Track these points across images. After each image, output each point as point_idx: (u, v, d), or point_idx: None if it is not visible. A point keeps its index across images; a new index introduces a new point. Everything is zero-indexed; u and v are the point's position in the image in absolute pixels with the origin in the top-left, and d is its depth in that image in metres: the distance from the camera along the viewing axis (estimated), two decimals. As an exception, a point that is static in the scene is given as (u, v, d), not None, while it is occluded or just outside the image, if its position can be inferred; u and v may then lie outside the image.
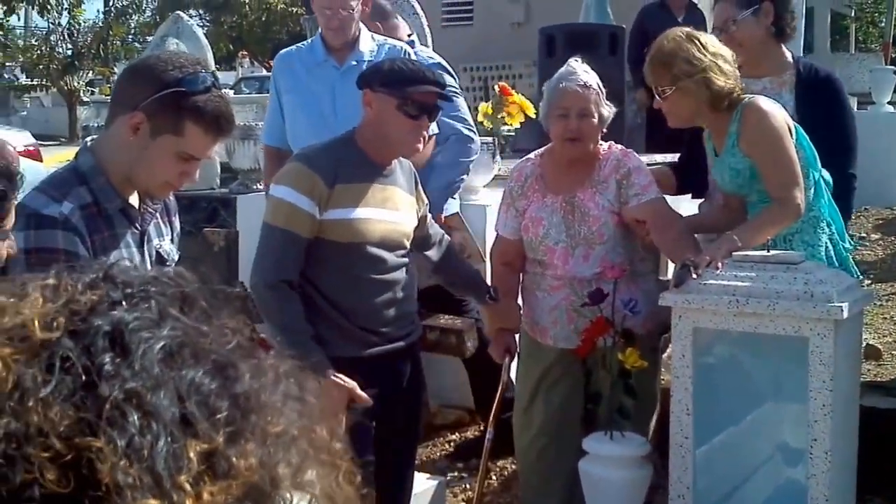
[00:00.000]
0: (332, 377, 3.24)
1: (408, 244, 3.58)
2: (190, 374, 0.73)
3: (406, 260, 3.58)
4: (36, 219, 2.48)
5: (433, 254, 3.80)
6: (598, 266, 3.88)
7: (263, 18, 32.10)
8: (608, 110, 3.93)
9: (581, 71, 3.95)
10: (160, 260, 2.76)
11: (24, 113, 25.53)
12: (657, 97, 3.83)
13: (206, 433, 0.71)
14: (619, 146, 4.07)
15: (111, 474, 0.66)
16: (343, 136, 3.53)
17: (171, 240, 2.86)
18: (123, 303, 0.76)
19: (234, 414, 0.73)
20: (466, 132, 4.92)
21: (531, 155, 4.20)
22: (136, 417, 0.68)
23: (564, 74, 3.96)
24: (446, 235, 3.87)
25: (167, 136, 2.54)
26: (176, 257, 2.85)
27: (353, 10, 4.48)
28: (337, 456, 0.81)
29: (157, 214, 2.79)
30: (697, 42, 3.71)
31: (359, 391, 3.27)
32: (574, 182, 3.99)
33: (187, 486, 0.68)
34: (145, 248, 2.71)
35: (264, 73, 27.68)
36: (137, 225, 2.69)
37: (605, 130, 3.98)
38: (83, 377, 0.70)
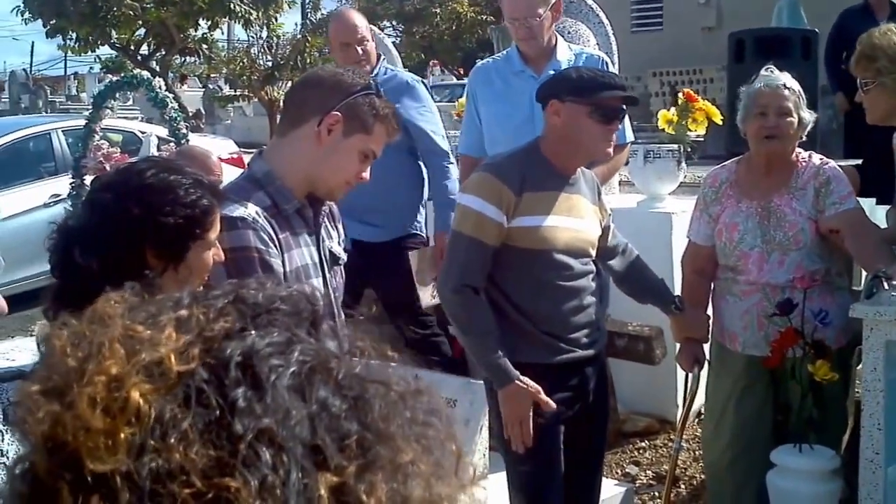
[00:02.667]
0: (518, 382, 3.31)
1: (592, 252, 3.59)
2: (319, 401, 0.72)
3: (592, 268, 3.59)
4: (227, 221, 2.58)
5: (617, 263, 3.81)
6: (792, 272, 3.81)
7: (453, 28, 32.56)
8: (809, 115, 3.87)
9: (780, 74, 3.92)
10: (334, 260, 2.90)
11: (228, 122, 26.60)
12: (860, 90, 3.76)
13: (337, 465, 0.70)
14: (819, 155, 3.99)
15: None
16: (527, 146, 3.57)
17: (339, 243, 2.98)
18: (253, 329, 0.75)
19: (364, 444, 0.72)
20: (439, 146, 5.14)
21: (727, 162, 4.16)
22: (268, 455, 0.68)
23: (763, 77, 3.93)
24: (630, 245, 3.87)
25: (359, 135, 2.75)
26: (343, 259, 2.98)
27: (540, 17, 4.52)
28: (464, 481, 0.79)
29: (325, 218, 2.93)
30: None
31: (543, 396, 3.32)
32: (771, 188, 3.93)
33: None
34: (321, 247, 2.85)
35: (454, 81, 28.03)
36: (312, 225, 2.84)
37: (804, 137, 3.92)
38: (217, 412, 0.70)
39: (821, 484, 3.59)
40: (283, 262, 2.68)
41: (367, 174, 2.86)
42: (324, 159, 2.76)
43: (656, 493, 5.06)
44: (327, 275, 2.85)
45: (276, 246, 2.67)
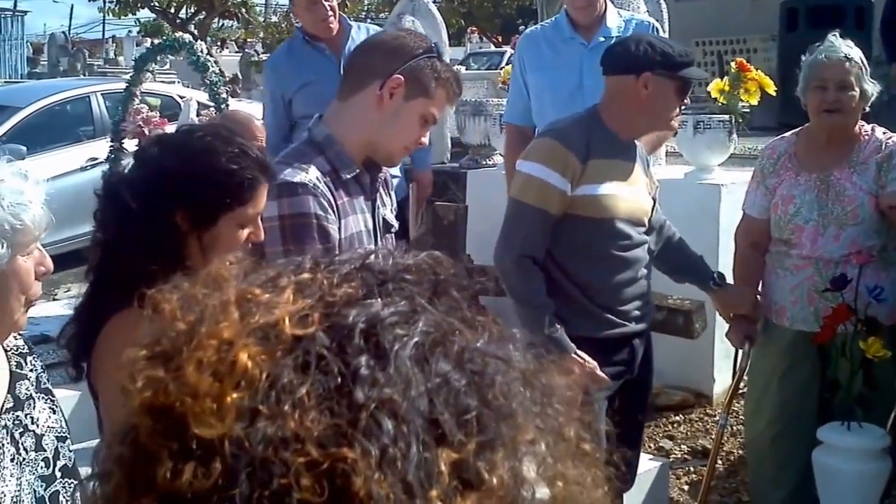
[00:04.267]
0: (574, 355, 3.26)
1: (646, 222, 3.55)
2: (441, 375, 0.69)
3: (646, 238, 3.55)
4: (287, 187, 2.60)
5: (655, 240, 3.74)
6: (847, 247, 3.74)
7: (494, -6, 32.34)
8: (872, 87, 3.78)
9: (843, 45, 3.83)
10: (386, 227, 2.88)
11: (262, 88, 26.65)
12: None
13: (457, 440, 0.67)
14: (882, 129, 3.91)
15: (366, 487, 0.63)
16: (587, 112, 3.51)
17: (391, 210, 2.96)
18: (379, 296, 0.73)
19: (484, 420, 0.68)
20: None
21: (786, 133, 4.09)
22: (390, 426, 0.65)
23: (825, 47, 3.84)
24: (668, 222, 3.81)
25: (420, 99, 2.71)
26: (396, 226, 2.96)
27: None
28: (587, 461, 0.76)
29: (380, 185, 2.90)
30: None
31: (599, 371, 3.28)
32: (831, 161, 3.86)
33: (438, 503, 0.65)
34: (376, 214, 2.82)
35: (492, 48, 27.88)
36: (369, 191, 2.81)
37: (866, 109, 3.84)
38: (338, 379, 0.67)
39: (869, 462, 3.55)
40: (339, 228, 2.66)
41: (426, 139, 2.85)
42: (385, 124, 2.73)
43: (691, 468, 5.03)
44: (380, 242, 2.82)
45: (334, 212, 2.66)
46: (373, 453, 0.64)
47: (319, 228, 2.60)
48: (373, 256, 0.77)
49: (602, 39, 4.46)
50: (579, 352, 3.28)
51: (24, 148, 9.05)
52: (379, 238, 2.83)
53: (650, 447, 5.15)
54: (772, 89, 5.04)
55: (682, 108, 3.52)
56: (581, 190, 3.35)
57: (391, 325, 0.70)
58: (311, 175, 2.64)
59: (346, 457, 0.64)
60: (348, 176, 2.73)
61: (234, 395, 0.66)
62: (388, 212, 2.93)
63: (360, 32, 4.94)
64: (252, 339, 0.68)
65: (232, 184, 2.26)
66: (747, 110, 5.24)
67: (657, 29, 4.58)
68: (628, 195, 3.43)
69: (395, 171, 3.18)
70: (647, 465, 4.39)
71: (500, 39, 30.56)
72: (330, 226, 2.63)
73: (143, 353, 0.71)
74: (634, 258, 3.47)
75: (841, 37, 3.89)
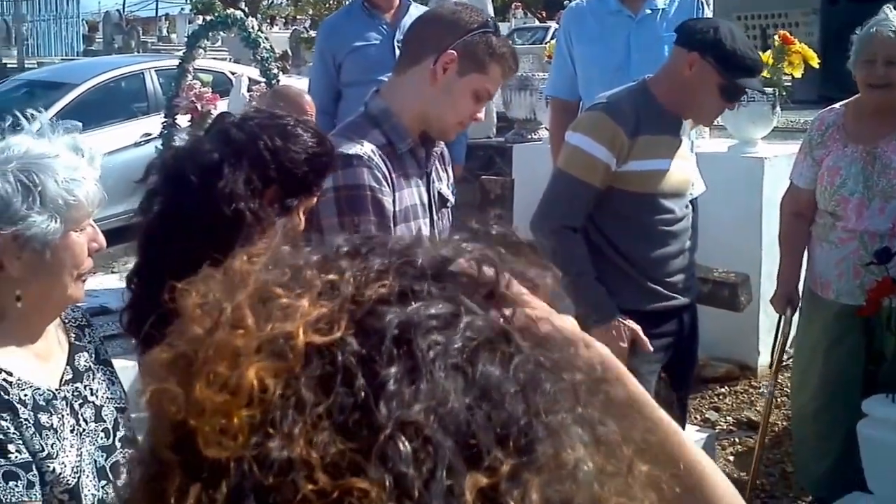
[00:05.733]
0: (619, 318, 3.29)
1: (688, 192, 3.54)
2: (481, 387, 0.62)
3: (690, 211, 3.55)
4: (343, 159, 2.62)
5: None
6: (892, 220, 3.73)
7: (538, -32, 32.09)
8: None
9: (895, 18, 3.80)
10: (442, 201, 2.89)
11: (312, 64, 26.69)
12: None
13: (492, 461, 0.60)
14: None
15: None
16: (637, 85, 3.48)
17: (448, 185, 2.97)
18: (416, 298, 0.65)
19: (525, 438, 0.62)
20: None
21: (835, 105, 4.07)
22: (410, 450, 0.58)
23: (877, 20, 3.81)
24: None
25: (473, 74, 2.71)
26: (452, 201, 2.96)
27: None
28: (643, 482, 0.67)
29: (436, 159, 2.92)
30: None
31: (642, 336, 3.29)
32: (878, 133, 3.84)
33: None
34: (431, 188, 2.84)
35: (536, 23, 27.67)
36: (424, 166, 2.83)
37: None
38: (361, 395, 0.60)
39: (914, 435, 3.55)
40: (393, 201, 2.69)
41: (481, 114, 2.87)
42: (438, 99, 2.74)
43: (736, 440, 5.05)
44: (434, 216, 2.84)
45: (388, 185, 2.68)
46: (386, 483, 0.58)
47: (374, 200, 2.63)
48: (412, 248, 0.69)
49: (649, 12, 4.44)
50: (623, 318, 3.28)
51: (80, 124, 9.19)
52: (434, 212, 2.84)
53: (696, 419, 5.17)
54: (815, 62, 5.00)
55: (728, 108, 3.45)
56: (629, 165, 3.33)
57: (428, 330, 0.63)
58: (365, 148, 2.67)
59: (356, 487, 0.58)
60: (403, 150, 2.75)
61: (244, 414, 0.60)
62: (445, 186, 2.93)
63: (418, 10, 4.96)
64: (264, 353, 0.62)
65: (318, 168, 2.33)
66: (789, 83, 5.22)
67: (703, 4, 4.55)
68: (674, 170, 3.42)
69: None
70: (694, 436, 4.41)
71: (544, 14, 30.27)
72: (384, 198, 2.65)
73: (161, 357, 0.66)
74: (679, 231, 3.47)
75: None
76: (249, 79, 8.38)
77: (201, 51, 8.46)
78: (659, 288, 3.44)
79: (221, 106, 7.39)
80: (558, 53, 4.87)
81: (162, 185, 2.27)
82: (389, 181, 2.68)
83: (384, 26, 4.99)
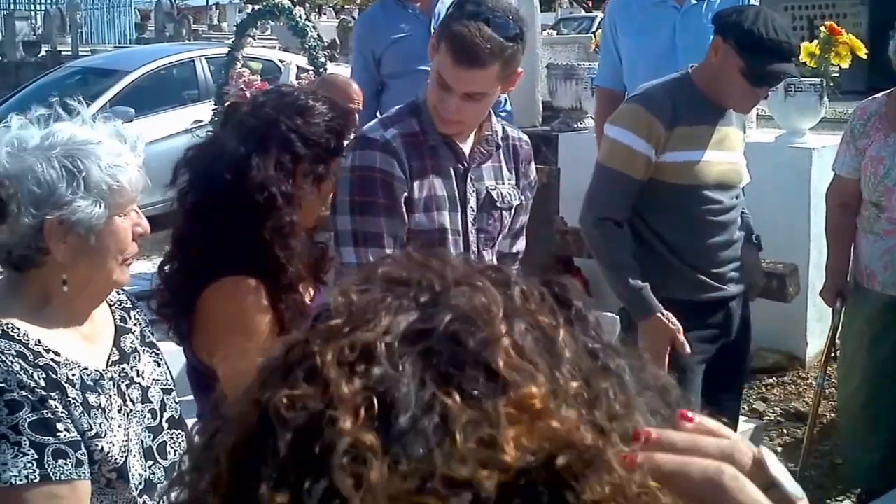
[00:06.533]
0: (660, 315, 3.27)
1: (739, 183, 3.51)
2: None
3: (739, 201, 3.51)
4: (362, 140, 2.71)
5: None
6: None
7: (585, -42, 31.87)
8: None
9: None
10: (490, 201, 2.84)
11: (352, 58, 26.70)
12: None
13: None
14: None
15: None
16: (679, 75, 3.46)
17: (517, 185, 2.91)
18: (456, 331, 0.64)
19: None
20: None
21: (877, 94, 4.03)
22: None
23: None
24: None
25: (435, 56, 2.69)
26: (514, 203, 2.91)
27: None
28: None
29: (501, 157, 2.88)
30: None
31: (681, 336, 3.26)
32: None
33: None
34: (468, 184, 2.81)
35: (583, 13, 27.55)
36: (464, 161, 2.81)
37: None
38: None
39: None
40: (412, 188, 2.71)
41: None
42: (430, 87, 2.75)
43: (784, 431, 5.02)
44: (468, 213, 2.81)
45: (404, 171, 2.70)
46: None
47: (383, 183, 2.67)
48: (454, 292, 0.67)
49: (694, 2, 4.41)
50: (665, 312, 3.26)
51: (132, 110, 9.32)
52: (469, 209, 2.81)
53: (744, 409, 5.14)
54: (862, 52, 4.94)
55: (761, 97, 3.39)
56: (667, 157, 3.31)
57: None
58: (386, 133, 2.72)
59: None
60: (435, 141, 2.76)
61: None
62: (508, 187, 2.88)
63: None
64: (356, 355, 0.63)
65: (340, 137, 2.42)
66: (837, 74, 5.17)
67: None
68: (719, 160, 3.39)
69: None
70: (742, 426, 4.39)
71: (590, 4, 30.10)
72: (395, 182, 2.68)
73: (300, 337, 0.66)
74: (727, 221, 3.44)
75: None
76: (298, 67, 8.44)
77: (250, 39, 8.53)
78: (706, 279, 3.42)
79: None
80: (604, 44, 4.88)
81: (193, 182, 2.34)
82: (407, 168, 2.70)
83: (418, 16, 5.00)
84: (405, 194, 2.70)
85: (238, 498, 0.62)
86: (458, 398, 0.60)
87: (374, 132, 2.75)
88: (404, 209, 2.70)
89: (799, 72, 4.28)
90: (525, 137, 3.02)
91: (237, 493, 0.62)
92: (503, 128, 2.93)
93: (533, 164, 3.02)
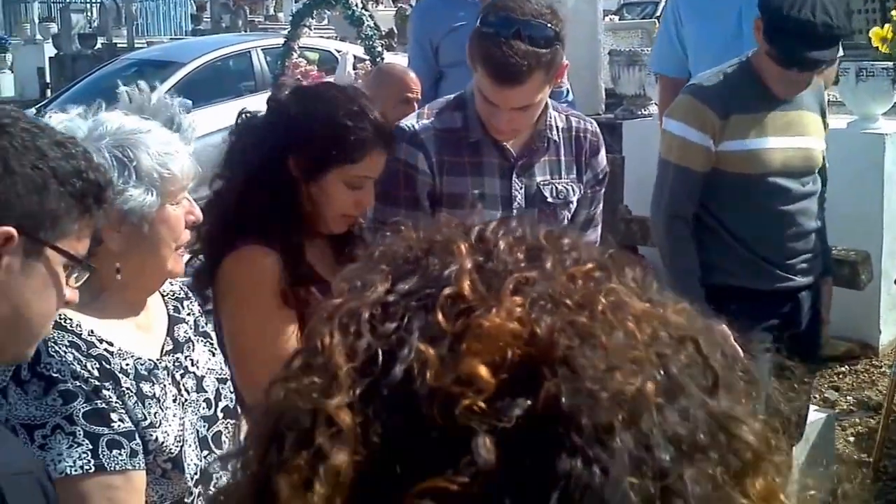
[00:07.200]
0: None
1: (814, 169, 3.40)
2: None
3: (815, 188, 3.40)
4: (397, 128, 2.67)
5: None
6: None
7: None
8: None
9: None
10: (541, 197, 2.77)
11: (409, 48, 26.73)
12: None
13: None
14: None
15: None
16: (739, 61, 3.37)
17: (579, 179, 2.84)
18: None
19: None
20: None
21: None
22: None
23: None
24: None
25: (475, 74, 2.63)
26: (572, 197, 2.83)
27: None
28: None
29: (561, 150, 2.79)
30: None
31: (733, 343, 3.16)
32: None
33: None
34: (514, 179, 2.73)
35: (646, -2, 27.28)
36: (510, 157, 2.73)
37: None
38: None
39: None
40: (440, 183, 2.66)
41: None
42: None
43: (857, 420, 4.90)
44: (513, 211, 2.72)
45: (429, 165, 2.66)
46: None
47: (405, 175, 2.64)
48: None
49: None
50: (718, 321, 3.16)
51: (190, 102, 9.36)
52: (516, 205, 2.73)
53: (815, 398, 5.03)
54: (934, 37, 4.81)
55: (801, 81, 3.25)
56: (725, 146, 3.25)
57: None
58: (418, 125, 2.68)
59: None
60: (476, 137, 2.69)
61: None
62: (566, 182, 2.81)
63: None
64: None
65: (341, 138, 2.38)
66: (904, 58, 5.06)
67: None
68: (785, 146, 3.30)
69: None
70: (813, 416, 4.30)
71: (654, -12, 29.85)
72: (418, 176, 2.65)
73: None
74: (798, 211, 3.35)
75: None
76: (355, 56, 8.41)
77: (306, 29, 8.53)
78: (776, 269, 3.34)
79: (327, 83, 7.42)
80: (664, 30, 4.85)
81: (243, 149, 2.45)
82: (432, 162, 2.66)
83: (476, 3, 4.92)
84: (428, 189, 2.65)
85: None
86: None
87: (407, 122, 2.71)
88: (427, 203, 2.65)
89: (839, 55, 4.11)
90: (593, 128, 2.91)
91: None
92: (567, 118, 2.84)
93: (601, 156, 2.92)
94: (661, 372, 0.64)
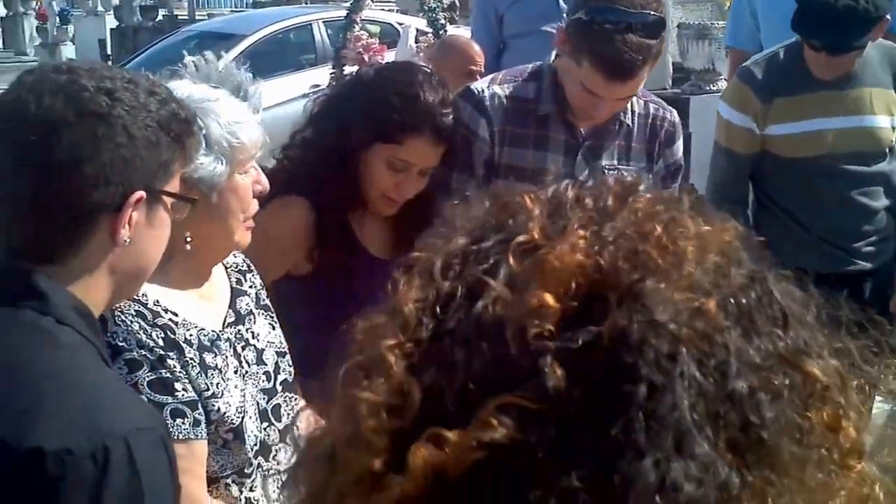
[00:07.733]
0: None
1: (880, 149, 3.30)
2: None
3: (881, 168, 3.31)
4: (465, 90, 2.66)
5: None
6: None
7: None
8: None
9: None
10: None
11: (471, 18, 26.63)
12: None
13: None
14: None
15: None
16: (792, 41, 3.28)
17: (648, 168, 2.73)
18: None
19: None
20: None
21: None
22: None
23: None
24: None
25: (574, 65, 2.52)
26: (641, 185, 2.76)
27: None
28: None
29: (633, 136, 2.70)
30: None
31: None
32: None
33: None
34: (579, 159, 2.65)
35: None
36: (578, 136, 2.65)
37: None
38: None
39: None
40: (499, 153, 2.60)
41: (597, 109, 2.63)
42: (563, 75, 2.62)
43: (924, 412, 4.78)
44: None
45: (490, 134, 2.59)
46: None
47: (463, 139, 2.57)
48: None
49: None
50: None
51: (251, 75, 9.37)
52: None
53: (880, 389, 4.92)
54: None
55: (834, 63, 3.14)
56: (773, 129, 3.20)
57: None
58: (487, 90, 2.62)
59: None
60: (546, 111, 2.62)
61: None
62: (632, 167, 2.70)
63: None
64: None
65: (384, 117, 2.42)
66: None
67: None
68: (840, 127, 3.23)
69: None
70: (877, 406, 4.20)
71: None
72: (476, 142, 2.59)
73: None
74: (862, 192, 3.28)
75: None
76: (417, 29, 8.35)
77: (368, 2, 8.48)
78: (837, 251, 3.29)
79: (389, 56, 7.38)
80: (737, 2, 4.72)
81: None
82: (494, 130, 2.59)
83: None
84: (486, 157, 2.60)
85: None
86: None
87: (478, 87, 2.67)
88: (482, 172, 2.60)
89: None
90: (672, 118, 2.77)
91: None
92: (646, 104, 2.73)
93: (677, 147, 2.79)
94: (731, 300, 0.66)
